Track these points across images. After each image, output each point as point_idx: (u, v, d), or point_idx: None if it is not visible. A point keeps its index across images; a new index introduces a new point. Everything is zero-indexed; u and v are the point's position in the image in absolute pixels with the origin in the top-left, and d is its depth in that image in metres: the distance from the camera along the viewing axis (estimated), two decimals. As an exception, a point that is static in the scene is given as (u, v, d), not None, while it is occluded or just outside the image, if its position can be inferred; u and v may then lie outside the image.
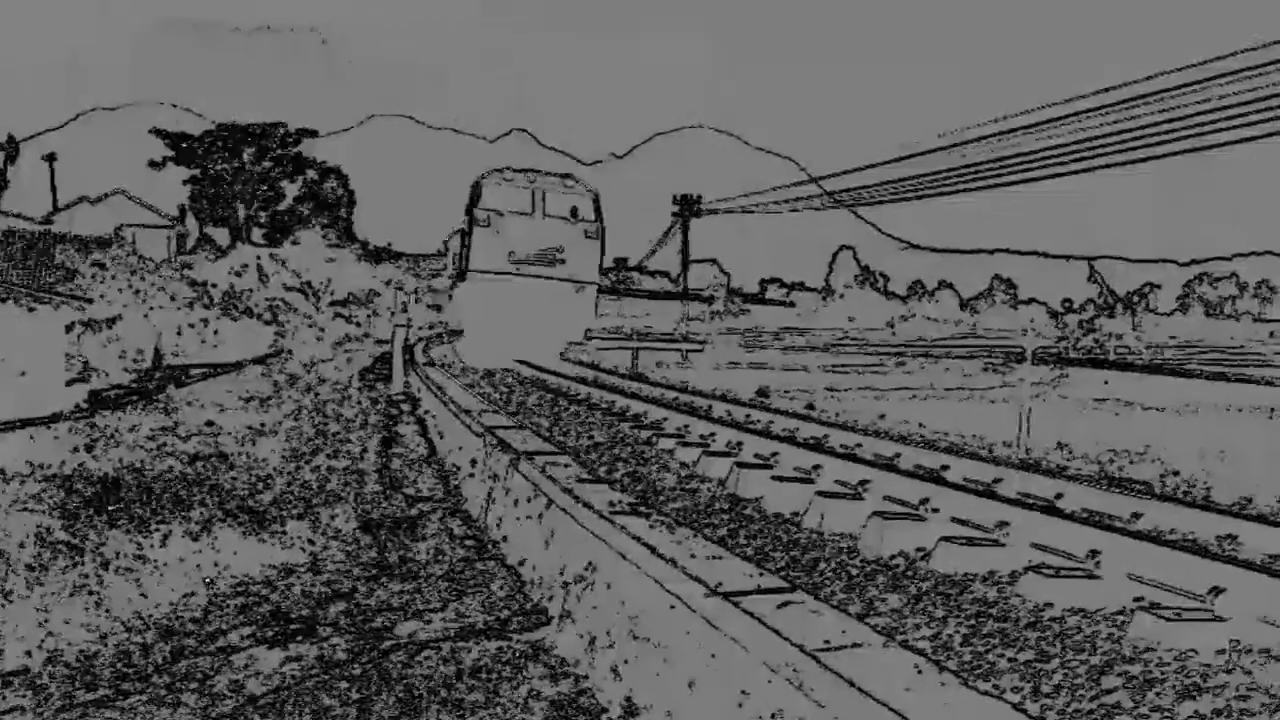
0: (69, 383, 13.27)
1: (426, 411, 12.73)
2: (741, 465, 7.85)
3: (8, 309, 12.12)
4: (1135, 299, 76.34)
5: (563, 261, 25.74)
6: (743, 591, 3.73)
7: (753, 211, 68.60)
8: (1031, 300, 79.26)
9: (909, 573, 5.32)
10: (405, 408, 14.17)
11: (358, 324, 37.76)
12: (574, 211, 26.06)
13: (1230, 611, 4.21)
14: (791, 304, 75.17)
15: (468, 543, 6.54)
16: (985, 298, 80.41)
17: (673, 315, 58.85)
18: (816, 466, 7.69)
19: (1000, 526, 5.58)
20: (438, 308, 41.26)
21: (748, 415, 12.58)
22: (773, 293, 76.38)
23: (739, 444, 9.21)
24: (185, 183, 46.10)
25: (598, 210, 26.29)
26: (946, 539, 5.46)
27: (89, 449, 8.98)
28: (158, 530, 6.30)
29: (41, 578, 5.34)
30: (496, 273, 25.57)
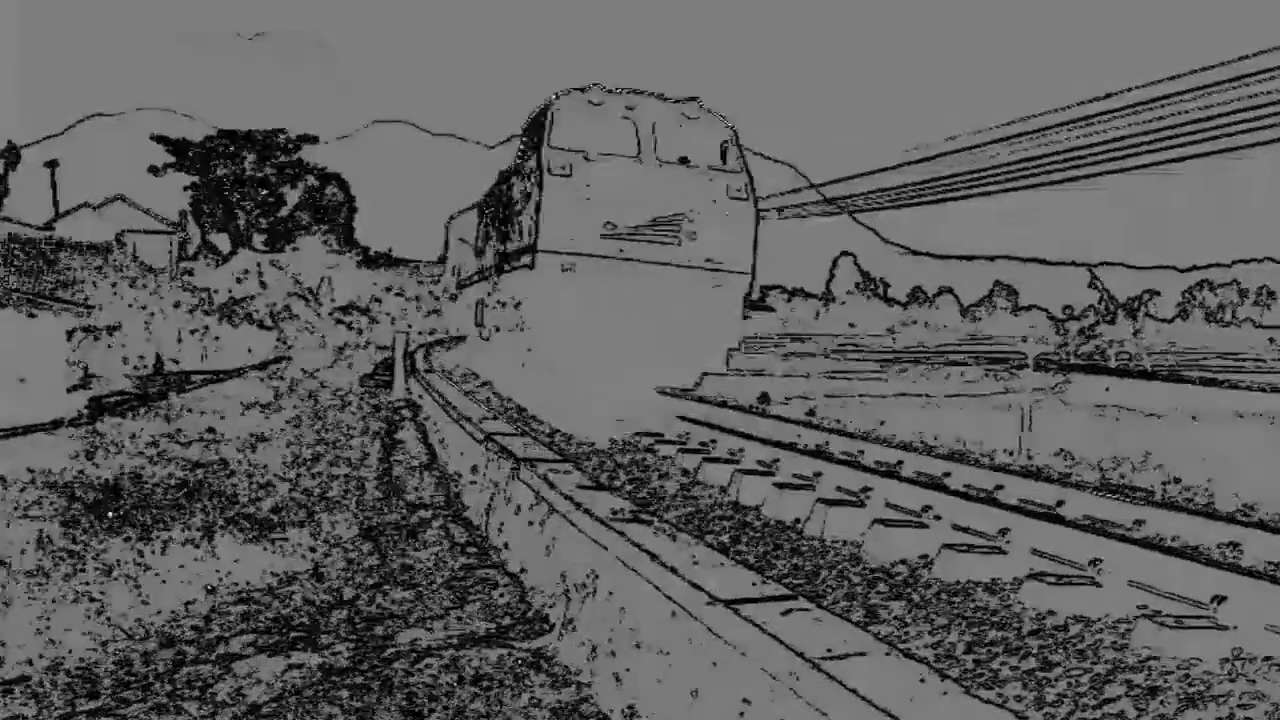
0: (70, 389, 13.28)
1: (427, 418, 12.73)
2: (743, 472, 7.85)
3: (8, 315, 12.12)
4: (1136, 305, 76.38)
5: (693, 236, 15.15)
6: (745, 599, 3.72)
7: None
8: (1032, 307, 79.29)
9: (911, 580, 5.31)
10: (406, 414, 14.16)
11: (358, 330, 37.75)
12: (703, 156, 15.66)
13: (1233, 619, 4.20)
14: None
15: (469, 550, 6.54)
16: (986, 304, 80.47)
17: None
18: (818, 473, 7.68)
19: (1002, 533, 5.57)
20: (437, 313, 40.73)
21: (748, 422, 12.56)
22: (773, 300, 76.41)
23: (740, 450, 9.21)
24: (186, 189, 46.17)
25: (740, 156, 15.78)
26: (949, 546, 5.45)
27: (90, 456, 8.98)
28: (159, 537, 6.29)
29: (43, 585, 5.34)
30: (585, 255, 14.85)
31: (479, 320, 20.44)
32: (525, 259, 15.29)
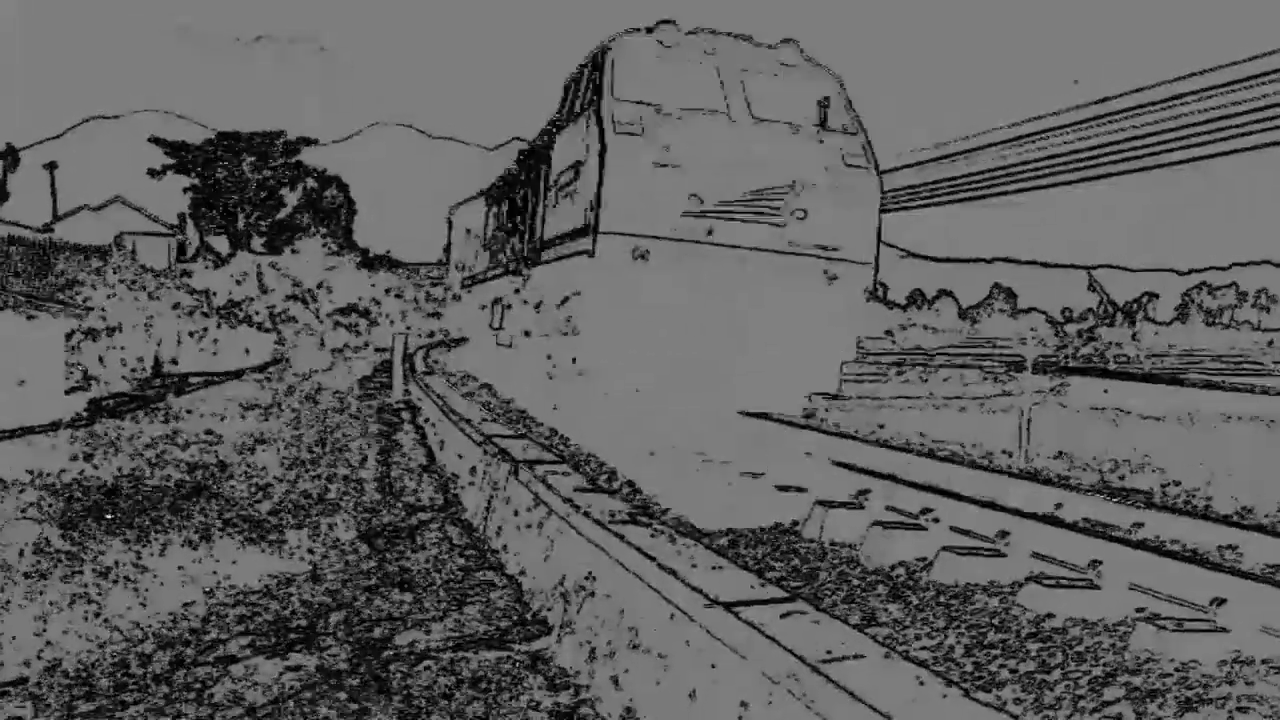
0: (69, 391, 13.26)
1: (426, 420, 12.72)
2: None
3: (7, 317, 12.12)
4: (1134, 308, 76.46)
5: (801, 215, 11.74)
6: (743, 601, 3.72)
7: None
8: (1031, 309, 79.33)
9: (910, 583, 5.31)
10: (405, 416, 14.15)
11: (357, 332, 37.76)
12: (805, 113, 12.25)
13: (1232, 622, 4.20)
14: None
15: (467, 552, 6.53)
16: (984, 307, 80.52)
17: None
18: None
19: (1001, 536, 5.57)
20: (438, 315, 40.56)
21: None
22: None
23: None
24: (185, 191, 46.20)
25: (854, 114, 12.54)
26: (947, 549, 5.45)
27: (88, 457, 8.97)
28: (157, 539, 6.28)
29: (41, 587, 5.33)
30: (662, 238, 11.38)
31: (496, 322, 17.20)
32: (577, 245, 11.64)
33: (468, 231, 25.31)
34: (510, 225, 17.21)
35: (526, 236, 15.11)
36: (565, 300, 11.92)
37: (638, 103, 11.52)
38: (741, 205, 11.38)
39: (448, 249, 35.63)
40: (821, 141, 11.94)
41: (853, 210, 11.84)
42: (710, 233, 11.25)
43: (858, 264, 11.90)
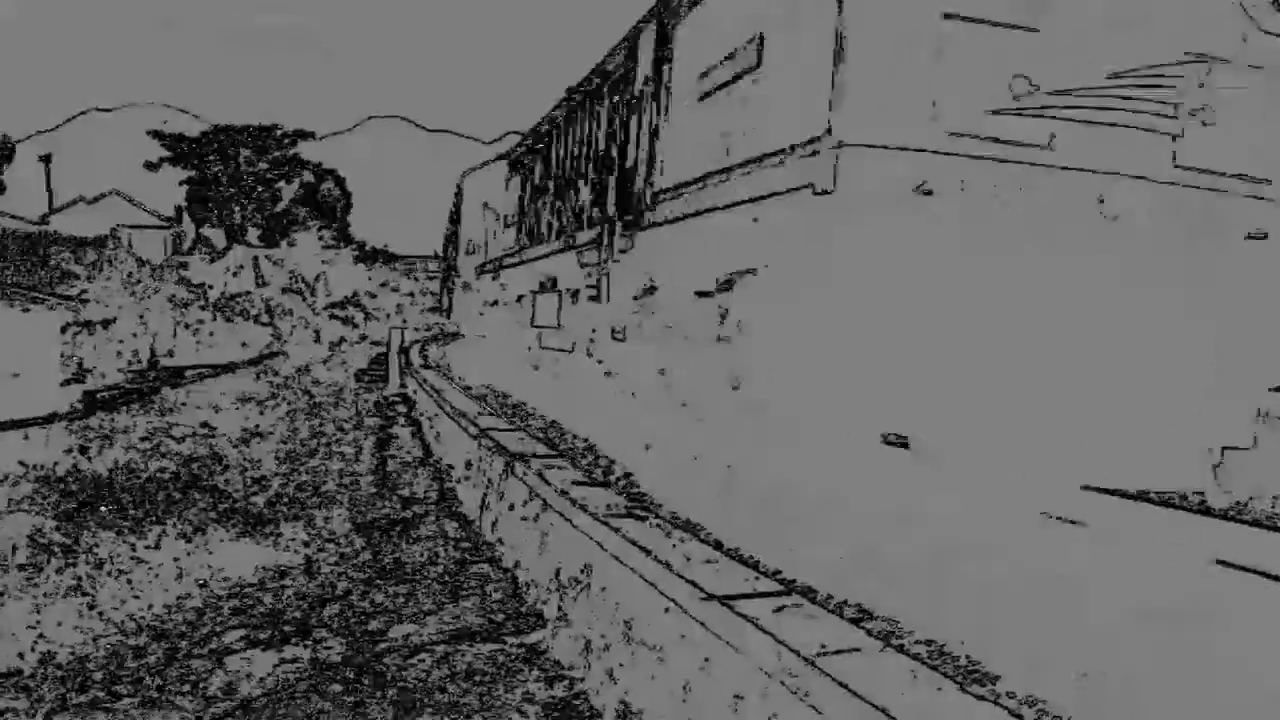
0: (64, 383, 13.25)
1: (422, 413, 12.72)
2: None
3: (2, 309, 12.10)
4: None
5: (1207, 116, 6.20)
6: (738, 595, 3.72)
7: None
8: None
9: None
10: (401, 409, 14.15)
11: (354, 325, 37.74)
12: None
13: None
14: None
15: (463, 545, 6.53)
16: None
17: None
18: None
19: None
20: (435, 310, 40.33)
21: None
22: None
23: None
24: (181, 184, 46.11)
25: None
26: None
27: (83, 450, 8.96)
28: (152, 531, 6.28)
29: (35, 579, 5.32)
30: (959, 155, 5.82)
31: (549, 318, 12.08)
32: (761, 180, 6.70)
33: (485, 205, 21.01)
34: (568, 178, 12.18)
35: (614, 187, 10.16)
36: (727, 282, 6.90)
37: None
38: (1101, 97, 6.32)
39: (452, 233, 30.64)
40: None
41: None
42: (1051, 144, 6.12)
43: None
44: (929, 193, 5.93)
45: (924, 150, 5.92)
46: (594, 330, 9.97)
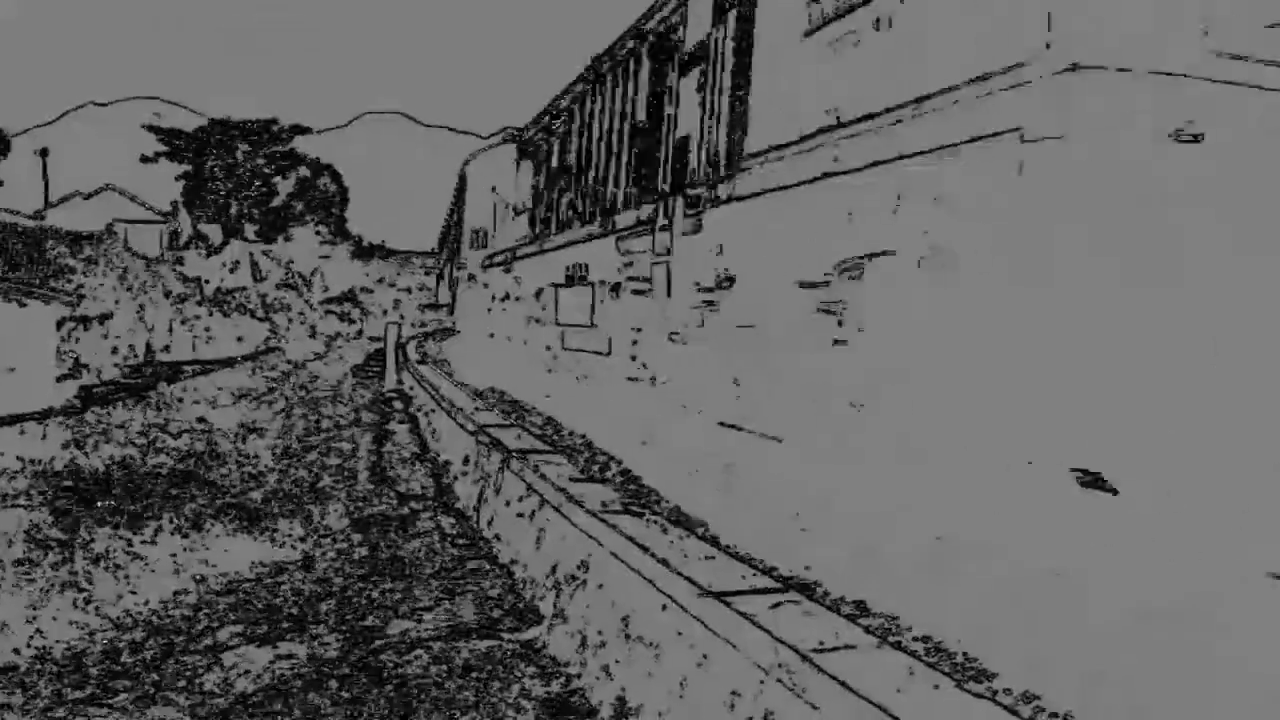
0: (60, 378, 13.23)
1: (419, 409, 12.71)
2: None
3: (-2, 304, 12.09)
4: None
5: None
6: (735, 591, 3.72)
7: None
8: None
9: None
10: (397, 405, 14.14)
11: (350, 321, 37.69)
12: None
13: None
14: None
15: (459, 541, 6.53)
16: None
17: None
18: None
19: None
20: (433, 306, 40.21)
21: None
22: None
23: (733, 444, 9.08)
24: (178, 179, 46.05)
25: None
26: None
27: (79, 445, 8.94)
28: (148, 527, 6.27)
29: (31, 574, 5.32)
30: (1237, 84, 3.96)
31: (581, 319, 10.62)
32: (956, 126, 4.63)
33: (493, 190, 19.35)
34: (601, 155, 10.71)
35: (666, 160, 8.68)
36: (853, 268, 5.40)
37: None
38: None
39: (453, 224, 28.26)
40: None
41: None
42: None
43: None
44: (1195, 138, 4.15)
45: (1188, 76, 4.17)
46: (638, 330, 8.42)
